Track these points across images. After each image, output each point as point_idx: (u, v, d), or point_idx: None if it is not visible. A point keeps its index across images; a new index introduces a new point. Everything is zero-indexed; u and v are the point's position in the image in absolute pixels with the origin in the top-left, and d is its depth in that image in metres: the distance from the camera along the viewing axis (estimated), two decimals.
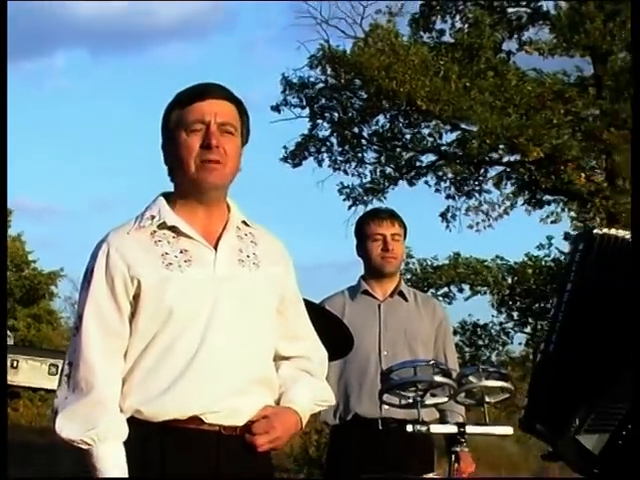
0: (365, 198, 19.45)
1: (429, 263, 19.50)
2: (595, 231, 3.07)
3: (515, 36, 19.05)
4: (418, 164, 19.74)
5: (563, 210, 19.29)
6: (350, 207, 19.39)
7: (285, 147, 19.66)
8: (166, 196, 2.99)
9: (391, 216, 5.19)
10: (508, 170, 19.21)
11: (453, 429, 4.03)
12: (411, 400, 4.09)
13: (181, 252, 2.90)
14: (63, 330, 28.17)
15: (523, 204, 19.43)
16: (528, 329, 19.67)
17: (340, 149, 19.65)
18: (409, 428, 3.96)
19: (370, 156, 19.79)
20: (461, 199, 19.58)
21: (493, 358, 19.51)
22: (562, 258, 18.69)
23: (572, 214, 19.15)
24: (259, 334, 2.95)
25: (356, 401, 5.00)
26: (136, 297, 2.85)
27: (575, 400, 2.93)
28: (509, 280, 19.37)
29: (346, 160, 19.65)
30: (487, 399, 4.11)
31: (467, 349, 19.46)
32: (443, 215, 19.63)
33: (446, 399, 4.21)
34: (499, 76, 18.01)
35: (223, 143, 2.90)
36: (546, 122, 17.54)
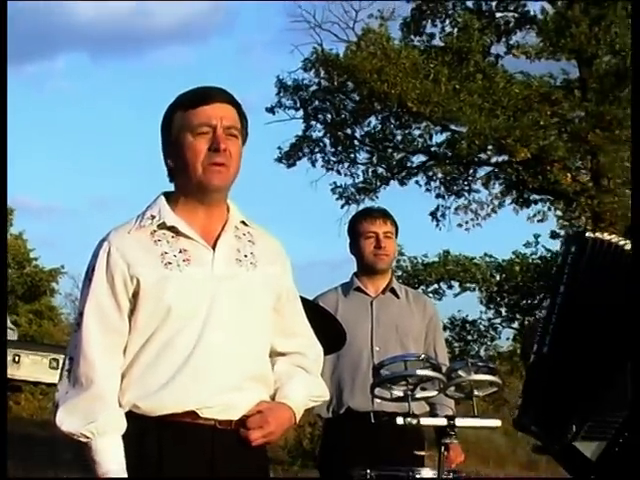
0: (357, 197, 19.48)
1: (420, 261, 19.56)
2: (588, 234, 3.06)
3: (503, 40, 19.10)
4: (409, 164, 19.77)
5: (549, 209, 19.35)
6: (343, 206, 19.45)
7: (280, 148, 19.71)
8: (167, 196, 2.99)
9: (383, 215, 5.20)
10: (496, 170, 19.25)
11: (443, 422, 4.03)
12: (402, 394, 4.08)
13: (180, 252, 2.90)
14: (64, 326, 28.15)
15: (511, 203, 19.49)
16: (515, 324, 19.71)
17: (333, 150, 19.67)
18: (400, 421, 3.95)
19: (362, 157, 19.86)
20: (451, 198, 19.65)
21: (482, 353, 19.55)
22: (549, 256, 18.74)
23: (558, 213, 19.20)
24: (255, 332, 2.95)
25: (349, 395, 5.00)
26: (136, 295, 2.85)
27: (569, 403, 2.92)
28: (497, 277, 19.42)
29: (339, 160, 19.67)
30: (476, 392, 4.10)
31: (456, 344, 19.50)
32: (433, 214, 19.68)
33: (436, 393, 4.21)
34: (487, 79, 18.04)
35: (229, 146, 2.91)
36: (533, 123, 17.56)
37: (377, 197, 19.49)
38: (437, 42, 19.05)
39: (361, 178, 19.67)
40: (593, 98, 17.68)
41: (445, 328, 18.20)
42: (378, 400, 4.51)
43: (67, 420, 2.82)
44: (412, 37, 19.20)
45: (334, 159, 19.65)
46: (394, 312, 5.13)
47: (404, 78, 17.52)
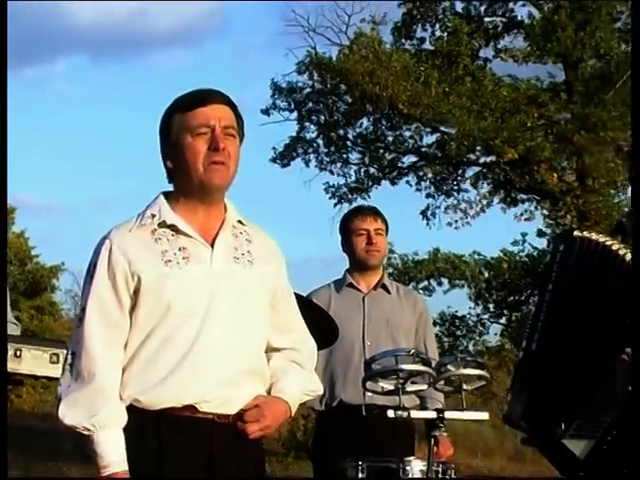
0: (350, 197, 19.46)
1: (410, 258, 19.57)
2: (575, 233, 3.05)
3: (491, 44, 19.10)
4: (400, 165, 19.77)
5: (536, 208, 19.35)
6: (335, 205, 19.41)
7: (274, 148, 19.67)
8: (166, 195, 3.00)
9: (374, 213, 5.21)
10: (484, 170, 19.25)
11: (432, 414, 4.04)
12: (393, 387, 4.09)
13: (180, 250, 2.90)
14: (64, 321, 28.11)
15: (499, 202, 19.49)
16: (503, 320, 19.73)
17: (326, 150, 19.65)
18: (391, 414, 3.96)
19: (354, 157, 19.84)
20: (440, 198, 19.64)
21: (470, 347, 19.55)
22: (535, 254, 18.77)
23: (545, 212, 19.21)
24: (252, 328, 2.96)
25: (341, 388, 5.01)
26: (136, 292, 2.86)
27: (557, 400, 2.91)
28: (485, 274, 19.44)
29: (332, 161, 19.66)
30: (464, 386, 4.11)
31: (446, 339, 19.50)
32: (423, 213, 19.67)
33: (426, 386, 4.22)
34: (476, 82, 18.05)
35: (228, 145, 2.92)
36: (520, 125, 17.58)
37: (369, 196, 19.49)
38: (427, 46, 19.06)
39: (353, 178, 19.67)
40: (578, 101, 17.71)
41: (435, 323, 18.22)
42: (370, 393, 4.53)
43: (69, 413, 2.82)
44: (403, 41, 19.20)
45: (327, 159, 19.65)
46: (385, 307, 5.13)
47: (395, 81, 17.53)
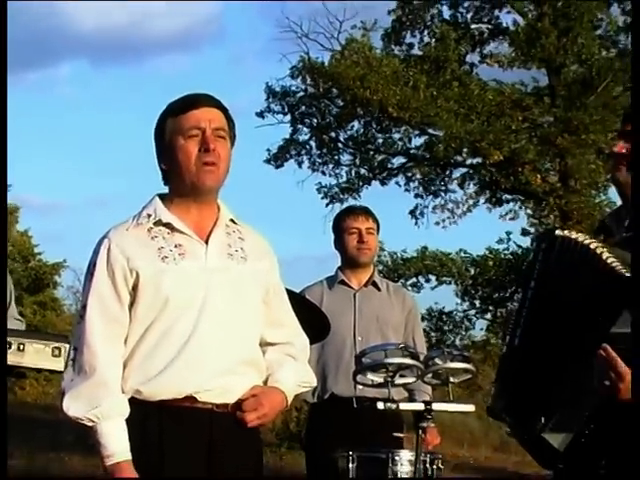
0: (341, 197, 19.48)
1: (399, 256, 19.58)
2: (557, 232, 3.05)
3: (477, 50, 19.14)
4: (389, 166, 19.78)
5: (520, 208, 19.41)
6: (327, 205, 19.43)
7: (268, 150, 19.69)
8: (161, 197, 3.01)
9: (365, 212, 5.21)
10: (471, 172, 19.28)
11: (420, 406, 4.05)
12: (382, 380, 4.10)
13: (175, 246, 2.92)
14: (66, 316, 28.04)
15: (484, 202, 19.53)
16: (488, 316, 19.78)
17: (318, 152, 19.67)
18: (380, 406, 3.97)
19: (346, 158, 19.86)
20: (428, 198, 19.67)
21: (457, 342, 19.59)
22: (520, 252, 18.79)
23: (529, 212, 19.26)
24: (247, 320, 2.97)
25: (333, 381, 5.01)
26: (135, 287, 2.87)
27: (538, 395, 2.92)
28: (472, 271, 19.46)
29: (324, 162, 19.67)
30: (451, 379, 4.13)
31: (433, 334, 19.52)
32: (412, 212, 19.70)
33: (414, 379, 4.23)
34: (463, 86, 18.07)
35: (218, 147, 2.93)
36: (505, 128, 17.62)
37: (360, 196, 19.51)
38: (416, 51, 19.10)
39: (344, 178, 19.69)
40: (561, 104, 17.73)
41: (423, 319, 18.07)
42: (360, 386, 4.54)
43: (73, 406, 2.83)
44: (393, 47, 19.23)
45: (319, 161, 19.67)
46: (375, 304, 5.14)
47: (385, 85, 17.55)
